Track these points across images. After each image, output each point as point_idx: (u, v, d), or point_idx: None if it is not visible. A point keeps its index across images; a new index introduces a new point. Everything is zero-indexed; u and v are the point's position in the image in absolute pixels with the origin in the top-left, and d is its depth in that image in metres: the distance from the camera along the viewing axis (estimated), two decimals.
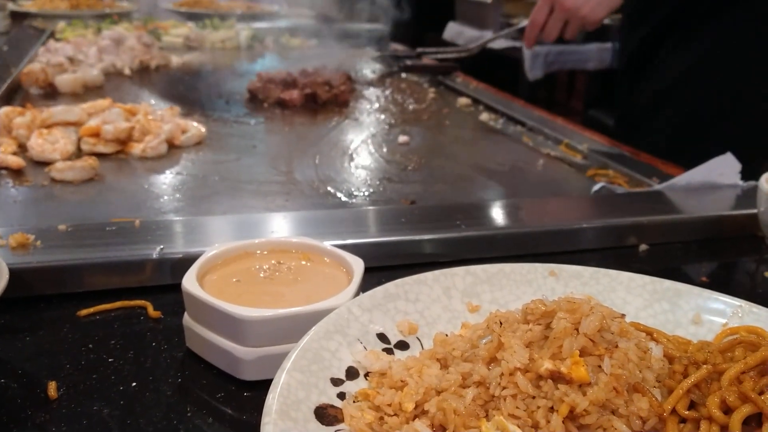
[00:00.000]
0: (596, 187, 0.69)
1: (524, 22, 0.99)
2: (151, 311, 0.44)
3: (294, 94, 0.99)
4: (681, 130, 0.85)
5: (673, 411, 0.31)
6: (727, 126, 0.87)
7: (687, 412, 0.31)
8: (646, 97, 0.93)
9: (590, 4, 0.90)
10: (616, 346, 0.32)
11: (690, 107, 0.89)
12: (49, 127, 0.77)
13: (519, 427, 0.29)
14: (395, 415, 0.32)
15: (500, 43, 2.43)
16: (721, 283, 0.53)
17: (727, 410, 0.31)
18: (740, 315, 0.39)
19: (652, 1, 0.91)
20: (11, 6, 1.68)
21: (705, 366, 0.32)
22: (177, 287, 0.39)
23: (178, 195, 0.66)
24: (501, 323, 0.35)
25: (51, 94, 1.02)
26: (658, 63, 0.92)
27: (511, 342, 0.32)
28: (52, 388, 0.36)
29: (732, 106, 0.87)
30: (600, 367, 0.31)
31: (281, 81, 1.04)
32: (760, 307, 0.39)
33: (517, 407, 0.30)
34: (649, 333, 0.37)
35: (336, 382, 0.33)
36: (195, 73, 1.22)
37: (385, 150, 0.84)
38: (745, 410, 0.30)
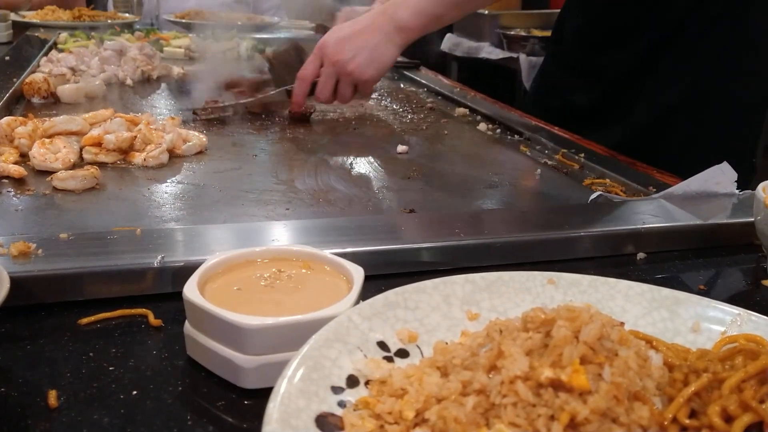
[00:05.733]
0: (593, 196, 0.69)
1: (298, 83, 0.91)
2: (152, 319, 0.44)
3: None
4: (683, 148, 0.86)
5: (674, 419, 0.31)
6: (731, 140, 0.89)
7: (688, 421, 0.31)
8: (642, 119, 0.94)
9: (357, 60, 0.83)
10: (616, 354, 0.32)
11: (696, 126, 0.90)
12: (51, 136, 0.77)
13: None
14: (396, 423, 0.32)
15: (497, 54, 2.45)
16: (719, 292, 0.53)
17: (728, 419, 0.31)
18: (739, 323, 0.39)
19: (639, 20, 0.93)
20: (13, 16, 1.69)
21: (705, 374, 0.33)
22: (178, 295, 0.40)
23: (179, 204, 0.66)
24: (501, 331, 0.35)
25: (53, 103, 1.02)
26: (654, 82, 0.92)
27: (511, 350, 0.32)
28: (52, 397, 0.36)
29: (737, 120, 0.89)
30: (600, 375, 0.31)
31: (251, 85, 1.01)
32: (759, 315, 0.39)
33: (517, 415, 0.30)
34: (649, 341, 0.37)
35: (336, 390, 0.33)
36: (196, 83, 1.23)
37: (384, 159, 0.84)
38: (747, 419, 0.30)
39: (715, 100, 0.90)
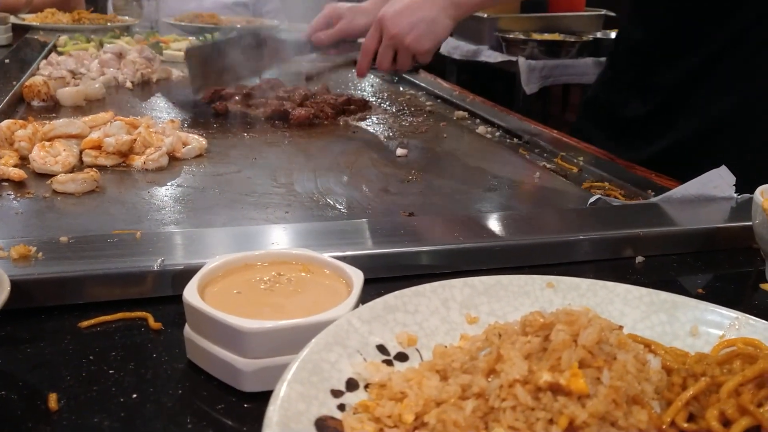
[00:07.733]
0: (592, 200, 0.70)
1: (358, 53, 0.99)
2: (152, 323, 0.44)
3: (301, 112, 1.00)
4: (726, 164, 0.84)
5: (673, 423, 0.31)
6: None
7: (686, 425, 0.31)
8: (686, 135, 0.91)
9: (414, 33, 0.88)
10: (615, 358, 0.32)
11: (741, 144, 0.87)
12: (50, 139, 0.77)
13: None
14: (395, 426, 0.32)
15: (495, 57, 2.46)
16: (717, 295, 0.53)
17: (726, 422, 0.31)
18: (737, 327, 0.39)
19: (698, 33, 0.90)
20: (13, 19, 1.69)
21: (703, 378, 0.33)
22: (178, 299, 0.40)
23: (179, 207, 0.66)
24: (500, 335, 0.35)
25: (53, 107, 1.03)
26: (703, 97, 0.89)
27: (510, 354, 0.32)
28: (52, 400, 0.36)
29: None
30: (599, 379, 0.31)
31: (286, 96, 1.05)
32: (757, 319, 0.40)
33: (516, 419, 0.30)
34: (647, 345, 0.38)
35: (336, 393, 0.33)
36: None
37: (383, 162, 0.84)
38: (744, 422, 0.31)
39: (765, 117, 0.88)
